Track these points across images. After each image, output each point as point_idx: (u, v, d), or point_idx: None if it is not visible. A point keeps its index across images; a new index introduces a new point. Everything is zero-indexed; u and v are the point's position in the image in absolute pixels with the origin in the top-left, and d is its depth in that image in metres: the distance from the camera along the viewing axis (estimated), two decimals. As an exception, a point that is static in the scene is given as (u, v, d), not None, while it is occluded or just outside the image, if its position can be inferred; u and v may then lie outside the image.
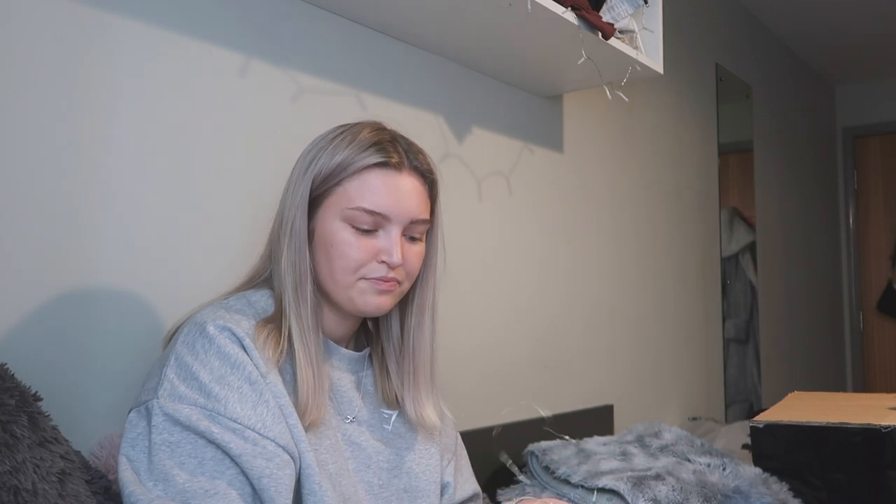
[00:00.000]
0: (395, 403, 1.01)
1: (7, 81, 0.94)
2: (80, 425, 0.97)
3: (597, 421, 2.04)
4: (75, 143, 1.01)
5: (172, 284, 1.11)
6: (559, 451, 1.54)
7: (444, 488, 1.05)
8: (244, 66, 1.24)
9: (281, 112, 1.29)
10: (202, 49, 1.17)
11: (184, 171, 1.14)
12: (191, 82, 1.16)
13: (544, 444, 1.57)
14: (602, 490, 1.38)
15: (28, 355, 0.93)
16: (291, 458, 0.84)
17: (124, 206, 1.06)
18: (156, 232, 1.10)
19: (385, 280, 0.92)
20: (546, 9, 1.41)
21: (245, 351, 0.85)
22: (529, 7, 1.36)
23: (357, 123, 0.96)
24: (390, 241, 0.91)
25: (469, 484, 1.11)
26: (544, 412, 1.67)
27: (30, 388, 0.81)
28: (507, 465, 1.55)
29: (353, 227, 0.91)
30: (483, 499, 1.11)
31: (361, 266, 0.91)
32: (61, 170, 0.99)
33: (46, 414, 0.81)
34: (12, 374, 0.80)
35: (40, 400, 0.81)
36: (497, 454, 1.60)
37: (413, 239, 0.95)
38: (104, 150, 1.04)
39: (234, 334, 0.85)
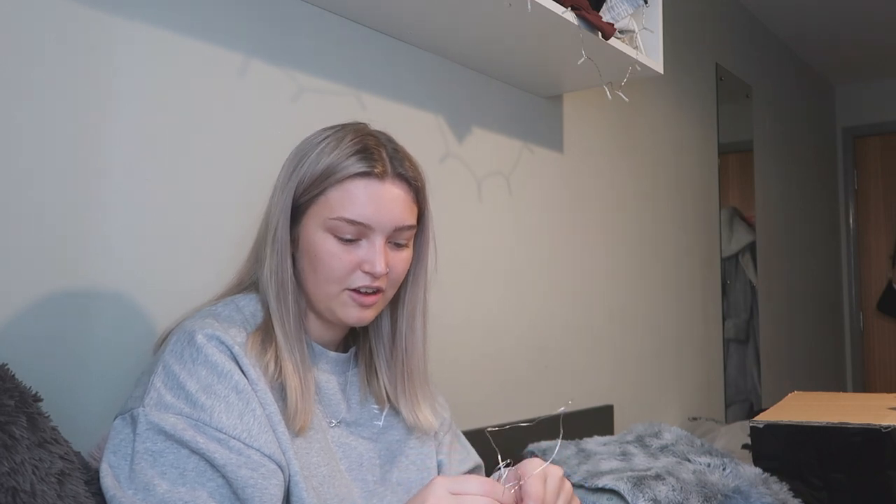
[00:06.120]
0: (385, 399, 1.00)
1: (7, 81, 0.94)
2: (81, 426, 0.97)
3: (597, 421, 2.04)
4: (75, 144, 1.01)
5: (172, 285, 1.11)
6: (559, 452, 1.54)
7: (438, 466, 1.04)
8: (244, 66, 1.24)
9: (281, 112, 1.29)
10: (202, 49, 1.17)
11: (183, 171, 1.14)
12: (191, 82, 1.15)
13: (544, 443, 1.57)
14: (602, 490, 1.38)
15: (29, 356, 0.93)
16: (279, 467, 0.83)
17: (124, 207, 1.06)
18: (156, 233, 1.10)
19: (369, 294, 0.91)
20: (546, 9, 1.41)
21: (234, 359, 0.85)
22: (529, 7, 1.36)
23: (343, 127, 0.95)
24: (374, 251, 0.90)
25: (469, 460, 1.10)
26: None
27: (30, 388, 0.81)
28: None
29: (336, 236, 0.90)
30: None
31: (345, 276, 0.90)
32: (60, 171, 0.99)
33: (46, 415, 0.81)
34: (13, 375, 0.80)
35: (40, 401, 0.81)
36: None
37: (398, 245, 0.94)
38: (104, 151, 1.04)
39: (222, 343, 0.85)
